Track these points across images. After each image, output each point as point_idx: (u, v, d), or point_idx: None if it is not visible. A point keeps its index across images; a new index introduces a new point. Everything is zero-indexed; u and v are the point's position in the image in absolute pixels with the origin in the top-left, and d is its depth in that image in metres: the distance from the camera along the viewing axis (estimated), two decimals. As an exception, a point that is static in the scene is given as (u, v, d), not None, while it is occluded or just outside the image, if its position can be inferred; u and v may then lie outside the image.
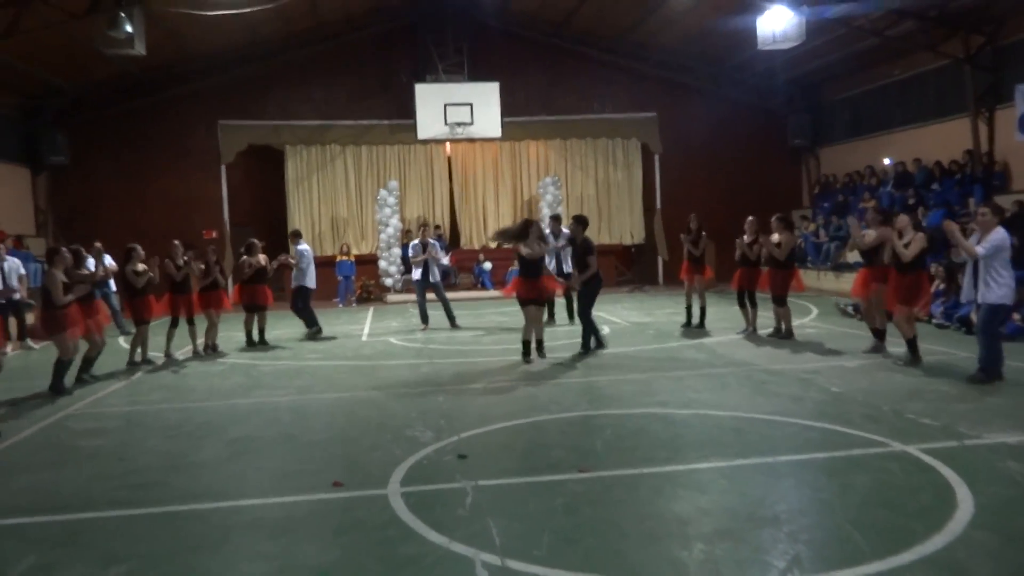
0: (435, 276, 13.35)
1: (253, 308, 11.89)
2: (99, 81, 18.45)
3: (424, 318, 13.30)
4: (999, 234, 7.36)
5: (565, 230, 12.53)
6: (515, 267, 11.71)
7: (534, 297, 9.71)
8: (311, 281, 12.98)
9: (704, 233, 12.02)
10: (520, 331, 9.95)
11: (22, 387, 9.07)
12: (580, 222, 10.39)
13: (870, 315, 9.65)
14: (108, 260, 13.86)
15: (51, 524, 4.73)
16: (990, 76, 15.37)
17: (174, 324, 11.01)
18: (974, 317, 9.33)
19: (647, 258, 21.67)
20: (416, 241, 13.49)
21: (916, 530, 4.10)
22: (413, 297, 14.41)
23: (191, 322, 11.14)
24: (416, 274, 13.39)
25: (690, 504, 4.65)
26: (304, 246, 13.11)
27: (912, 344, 8.64)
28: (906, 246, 8.36)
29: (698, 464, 5.40)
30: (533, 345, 9.78)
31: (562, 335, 11.56)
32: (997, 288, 7.36)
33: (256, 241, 12.20)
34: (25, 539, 4.50)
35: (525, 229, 9.73)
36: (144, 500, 5.05)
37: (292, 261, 12.94)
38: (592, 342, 10.18)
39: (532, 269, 9.73)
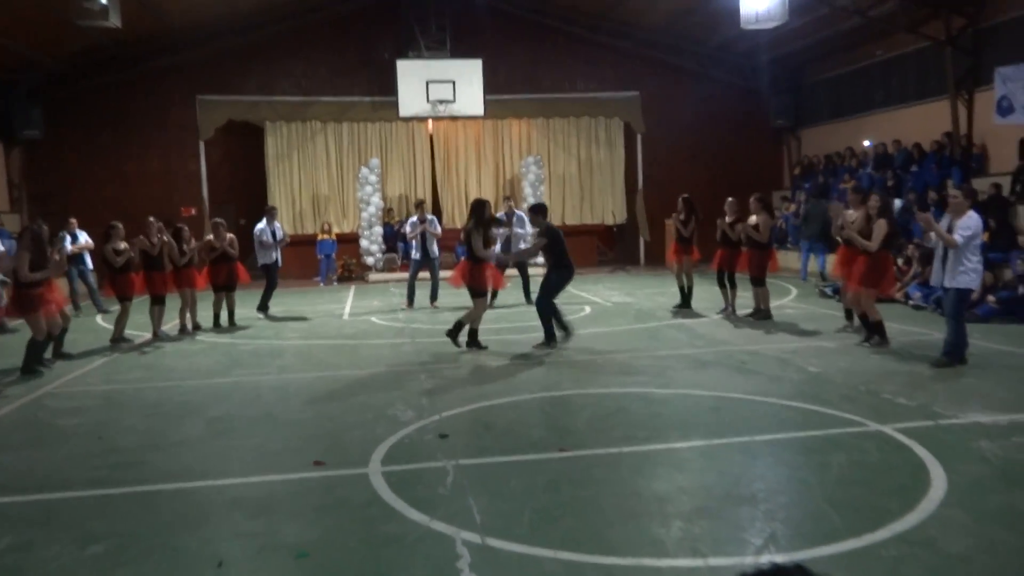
0: (434, 252, 13.31)
1: (219, 288, 11.78)
2: (75, 54, 18.05)
3: (411, 298, 13.22)
4: (972, 220, 7.33)
5: (520, 212, 12.45)
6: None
7: (479, 284, 9.00)
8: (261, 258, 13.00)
9: (694, 215, 12.01)
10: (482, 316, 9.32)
11: (-2, 365, 8.98)
12: (539, 211, 9.47)
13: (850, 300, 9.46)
14: (84, 237, 13.75)
15: (28, 504, 4.70)
16: (970, 58, 15.42)
17: (155, 302, 10.85)
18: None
19: (629, 238, 21.69)
20: (414, 218, 13.43)
21: (891, 508, 4.17)
22: (394, 276, 14.33)
23: (162, 301, 10.95)
24: (414, 252, 13.36)
25: (669, 483, 4.70)
26: (259, 226, 12.95)
27: (879, 327, 8.60)
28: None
29: (677, 443, 5.44)
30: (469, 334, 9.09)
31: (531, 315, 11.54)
32: (965, 273, 7.35)
33: (220, 221, 12.03)
34: (2, 519, 4.46)
35: (479, 213, 9.04)
36: (123, 479, 5.03)
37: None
38: (558, 331, 9.21)
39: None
